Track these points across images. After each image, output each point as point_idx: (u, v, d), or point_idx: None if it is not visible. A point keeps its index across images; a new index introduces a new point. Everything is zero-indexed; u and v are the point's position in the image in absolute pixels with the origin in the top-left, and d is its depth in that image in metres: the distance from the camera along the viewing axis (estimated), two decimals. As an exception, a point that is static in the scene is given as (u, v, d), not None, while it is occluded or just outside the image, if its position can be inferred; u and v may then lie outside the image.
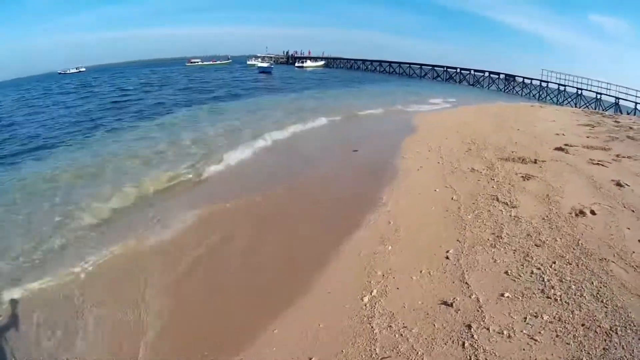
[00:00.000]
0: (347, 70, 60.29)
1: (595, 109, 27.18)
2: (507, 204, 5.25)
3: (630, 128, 11.49)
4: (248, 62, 60.83)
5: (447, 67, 46.14)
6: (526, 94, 35.31)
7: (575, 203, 5.33)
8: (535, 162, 7.56)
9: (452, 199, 5.54)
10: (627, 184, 5.90)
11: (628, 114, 23.51)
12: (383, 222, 4.93)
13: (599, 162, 7.37)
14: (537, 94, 34.24)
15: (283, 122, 12.07)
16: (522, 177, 6.54)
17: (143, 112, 15.52)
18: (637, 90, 27.14)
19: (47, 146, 10.22)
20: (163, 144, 9.66)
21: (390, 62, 56.12)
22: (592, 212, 5.08)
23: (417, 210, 5.20)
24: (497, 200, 5.43)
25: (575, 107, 28.31)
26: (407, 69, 52.08)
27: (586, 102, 29.73)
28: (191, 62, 74.27)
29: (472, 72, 42.87)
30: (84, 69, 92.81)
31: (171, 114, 14.72)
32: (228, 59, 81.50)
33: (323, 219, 5.35)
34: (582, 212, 5.02)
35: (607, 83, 28.57)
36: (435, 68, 47.85)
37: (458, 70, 44.61)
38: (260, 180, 7.26)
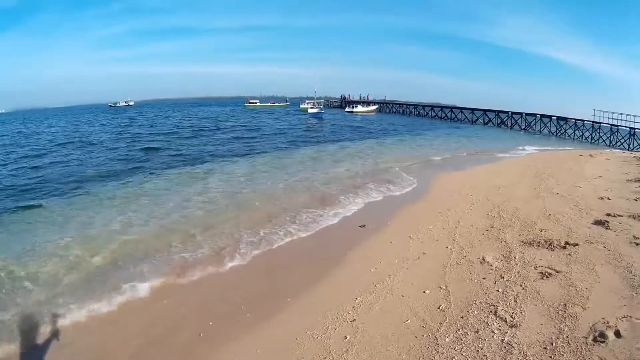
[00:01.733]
0: (399, 115, 61.45)
1: (649, 149, 25.75)
2: (506, 321, 4.27)
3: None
4: (301, 106, 64.17)
5: (499, 112, 44.23)
6: (578, 137, 32.82)
7: (599, 318, 4.29)
8: (564, 247, 6.45)
9: (439, 307, 4.66)
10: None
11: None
12: (338, 336, 4.21)
13: (644, 243, 6.18)
14: (590, 136, 31.72)
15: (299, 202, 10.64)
16: (541, 273, 5.48)
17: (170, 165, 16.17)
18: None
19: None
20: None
21: (442, 107, 55.91)
22: (617, 334, 3.99)
23: (388, 323, 4.40)
24: (495, 313, 4.45)
25: (629, 148, 26.65)
26: (459, 113, 51.03)
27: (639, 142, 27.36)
28: (250, 103, 79.95)
29: (524, 115, 40.47)
30: (132, 103, 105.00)
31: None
32: (286, 101, 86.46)
33: (264, 317, 4.75)
34: (602, 336, 3.96)
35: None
36: (487, 113, 46.14)
37: (509, 114, 42.43)
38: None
